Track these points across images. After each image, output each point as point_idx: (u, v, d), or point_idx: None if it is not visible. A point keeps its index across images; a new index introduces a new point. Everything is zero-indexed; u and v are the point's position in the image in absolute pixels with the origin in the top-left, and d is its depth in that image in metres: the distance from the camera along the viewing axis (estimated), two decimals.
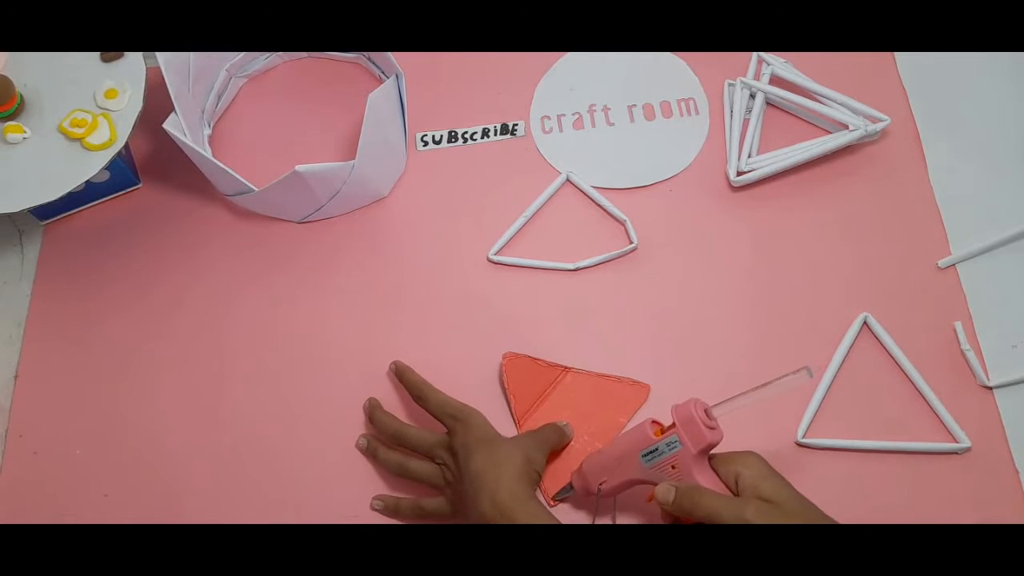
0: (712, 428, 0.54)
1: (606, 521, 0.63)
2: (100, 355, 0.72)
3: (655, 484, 0.56)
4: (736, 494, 0.53)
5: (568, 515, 0.64)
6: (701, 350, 0.69)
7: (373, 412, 0.67)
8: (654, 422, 0.57)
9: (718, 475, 0.54)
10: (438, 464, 0.63)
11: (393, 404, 0.69)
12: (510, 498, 0.56)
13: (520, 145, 0.78)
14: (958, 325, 0.68)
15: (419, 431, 0.65)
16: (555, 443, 0.64)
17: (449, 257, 0.73)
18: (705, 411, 0.54)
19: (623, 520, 0.64)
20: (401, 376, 0.68)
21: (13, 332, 0.73)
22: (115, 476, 0.68)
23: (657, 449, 0.55)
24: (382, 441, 0.66)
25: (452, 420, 0.63)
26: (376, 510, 0.65)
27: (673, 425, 0.55)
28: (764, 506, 0.51)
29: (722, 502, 0.52)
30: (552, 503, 0.64)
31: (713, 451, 0.55)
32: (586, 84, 0.80)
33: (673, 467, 0.55)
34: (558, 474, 0.65)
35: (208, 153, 0.68)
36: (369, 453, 0.67)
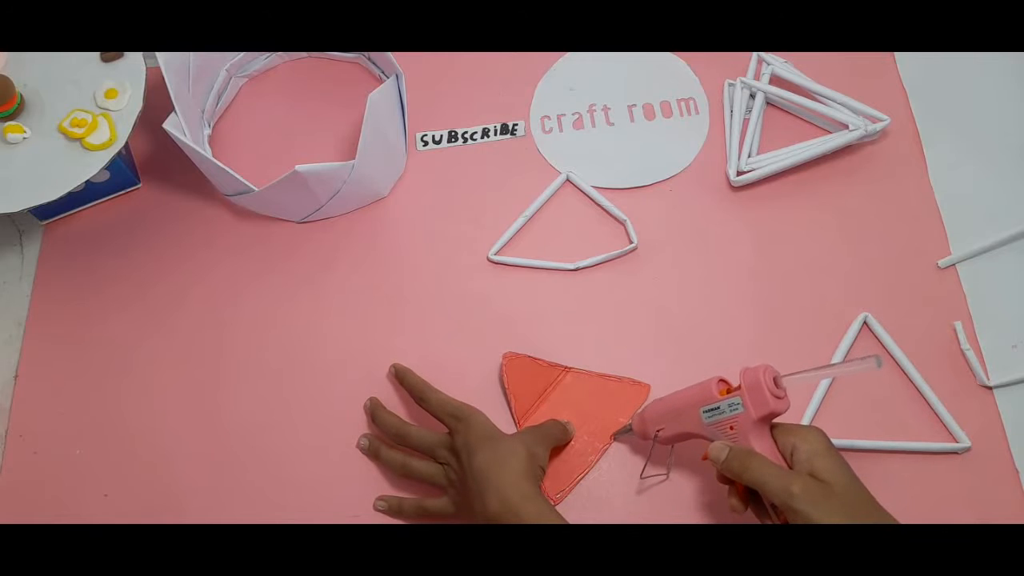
0: (778, 398, 0.53)
1: (660, 470, 0.64)
2: (100, 355, 0.72)
3: (711, 441, 0.56)
4: (790, 467, 0.53)
5: (574, 513, 0.64)
6: (701, 350, 0.69)
7: (375, 411, 0.67)
8: (721, 380, 0.57)
9: (776, 444, 0.54)
10: (441, 464, 0.63)
11: (393, 404, 0.69)
12: (516, 495, 0.56)
13: (520, 145, 0.78)
14: (958, 325, 0.68)
15: (421, 431, 0.65)
16: (558, 438, 0.64)
17: (449, 257, 0.73)
18: (774, 379, 0.54)
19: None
20: (401, 378, 0.68)
21: (13, 332, 0.73)
22: (115, 476, 0.68)
23: (719, 408, 0.55)
24: (384, 441, 0.67)
25: (453, 420, 0.62)
26: (379, 510, 0.65)
27: (739, 387, 0.55)
28: (813, 484, 0.50)
29: (771, 471, 0.52)
30: (555, 500, 0.64)
31: (777, 421, 0.55)
32: (586, 84, 0.80)
33: (731, 428, 0.55)
34: (560, 474, 0.65)
35: (208, 153, 0.68)
36: (371, 453, 0.67)
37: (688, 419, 0.58)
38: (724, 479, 0.57)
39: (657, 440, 0.61)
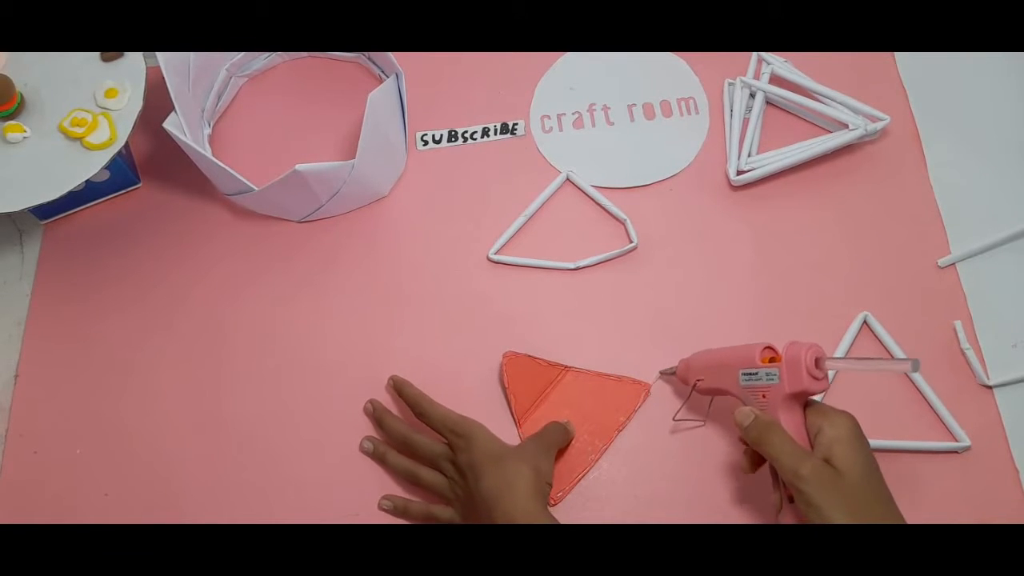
0: (815, 378, 0.54)
1: (697, 418, 0.66)
2: (100, 354, 0.72)
3: (743, 403, 0.58)
4: (812, 448, 0.53)
5: (574, 513, 0.64)
6: (700, 349, 0.69)
7: (383, 417, 0.67)
8: (768, 347, 0.58)
9: (804, 422, 0.55)
10: (447, 477, 0.63)
11: (393, 405, 0.69)
12: (526, 518, 0.56)
13: (520, 144, 0.78)
14: (958, 324, 0.68)
15: (426, 441, 0.64)
16: (560, 443, 0.64)
17: (449, 256, 0.73)
18: (816, 359, 0.54)
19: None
20: (400, 391, 0.67)
21: (13, 331, 0.73)
22: (115, 475, 0.68)
23: (756, 374, 0.56)
24: (391, 445, 0.66)
25: (455, 436, 0.62)
26: (384, 510, 0.65)
27: (780, 358, 0.55)
28: (824, 469, 0.51)
29: (787, 448, 0.53)
30: (555, 500, 0.64)
31: (813, 399, 0.56)
32: (586, 83, 0.80)
33: (764, 396, 0.56)
34: (560, 474, 0.65)
35: (208, 152, 0.68)
36: (377, 457, 0.66)
37: (727, 377, 0.59)
38: (744, 441, 0.58)
39: (695, 389, 0.63)
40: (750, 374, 0.57)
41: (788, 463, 0.52)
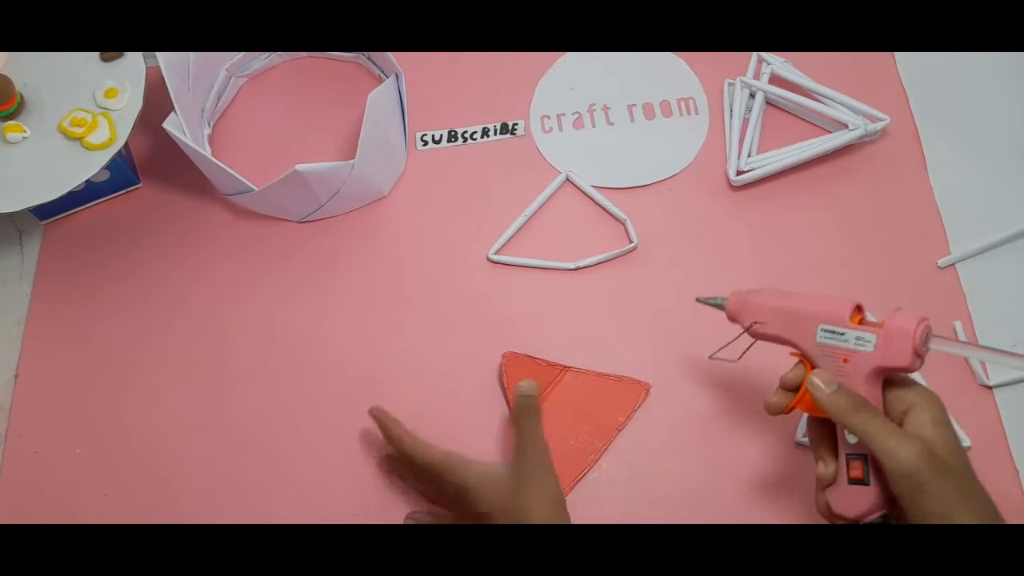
0: (918, 355, 0.48)
1: (732, 356, 0.58)
2: (100, 354, 0.72)
3: (810, 362, 0.52)
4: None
5: (574, 513, 0.64)
6: (701, 349, 0.69)
7: (391, 431, 0.63)
8: (857, 307, 0.52)
9: (885, 398, 0.50)
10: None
11: (391, 405, 0.69)
12: None
13: (520, 144, 0.78)
14: (957, 324, 0.68)
15: (429, 470, 0.61)
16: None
17: (449, 256, 0.73)
18: (926, 334, 0.49)
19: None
20: (383, 429, 0.64)
21: (13, 331, 0.73)
22: (115, 475, 0.68)
23: (844, 335, 0.50)
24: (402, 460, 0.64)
25: (448, 485, 0.59)
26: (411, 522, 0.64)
27: (880, 324, 0.49)
28: (928, 454, 0.46)
29: (886, 428, 0.47)
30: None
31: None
32: (586, 84, 0.80)
33: (846, 361, 0.50)
34: (560, 476, 0.64)
35: (208, 152, 0.68)
36: (395, 474, 0.65)
37: (800, 328, 0.52)
38: (805, 404, 0.52)
39: (748, 331, 0.56)
40: (834, 332, 0.50)
41: (888, 443, 0.46)
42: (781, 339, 0.54)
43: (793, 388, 0.53)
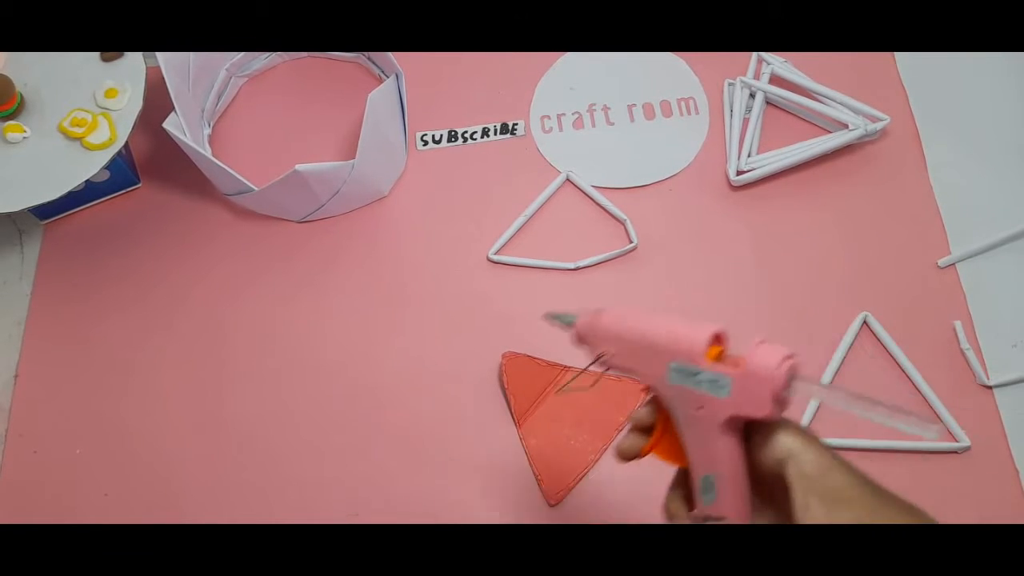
0: (779, 402, 0.39)
1: (583, 384, 0.51)
2: (100, 354, 0.72)
3: (664, 403, 0.43)
4: (770, 481, 0.40)
5: (574, 513, 0.64)
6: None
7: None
8: (716, 335, 0.41)
9: (750, 449, 0.41)
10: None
11: (392, 402, 0.69)
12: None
13: (520, 144, 0.78)
14: (958, 324, 0.68)
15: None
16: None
17: (449, 256, 0.73)
18: (789, 376, 0.39)
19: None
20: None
21: (13, 331, 0.73)
22: (115, 475, 0.68)
23: (698, 376, 0.40)
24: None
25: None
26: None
27: (738, 365, 0.40)
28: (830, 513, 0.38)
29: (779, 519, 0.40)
30: (555, 500, 0.64)
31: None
32: (586, 84, 0.80)
33: (699, 408, 0.40)
34: (559, 474, 0.65)
35: (208, 152, 0.68)
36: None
37: (649, 363, 0.43)
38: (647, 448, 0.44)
39: (600, 361, 0.46)
40: (685, 372, 0.41)
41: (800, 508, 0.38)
42: (629, 370, 0.45)
43: (646, 429, 0.45)
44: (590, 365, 0.47)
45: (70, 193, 0.67)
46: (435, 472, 0.66)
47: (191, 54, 0.72)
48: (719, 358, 0.41)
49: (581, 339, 0.48)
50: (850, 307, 0.69)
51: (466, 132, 0.78)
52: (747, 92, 0.77)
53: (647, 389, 0.44)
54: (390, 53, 0.72)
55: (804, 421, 0.65)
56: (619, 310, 0.46)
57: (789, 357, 0.39)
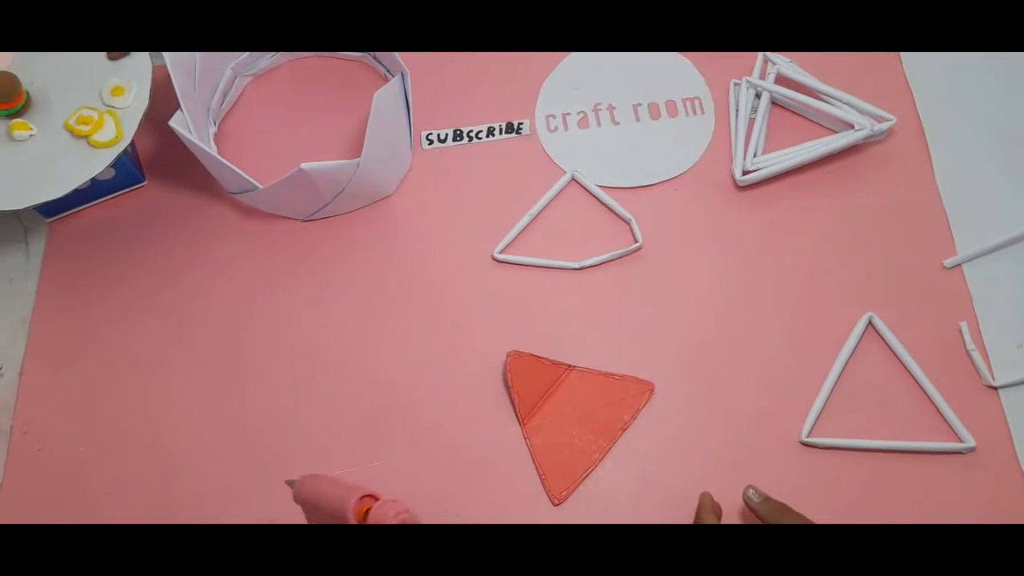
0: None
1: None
2: (104, 352, 0.72)
3: None
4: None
5: (577, 513, 0.64)
6: (706, 349, 0.69)
7: None
8: (367, 496, 0.50)
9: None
10: None
11: (396, 403, 0.69)
12: None
13: (525, 144, 0.78)
14: (963, 325, 0.68)
15: None
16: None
17: (454, 255, 0.73)
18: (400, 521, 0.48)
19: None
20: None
21: (18, 329, 0.73)
22: (119, 473, 0.68)
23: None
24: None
25: None
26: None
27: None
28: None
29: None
30: (559, 500, 0.64)
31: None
32: (591, 83, 0.80)
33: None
34: (564, 475, 0.65)
35: (214, 151, 0.69)
36: None
37: (331, 519, 0.51)
38: None
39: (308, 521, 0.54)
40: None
41: None
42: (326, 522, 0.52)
43: None
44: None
45: (75, 191, 0.67)
46: (439, 471, 0.66)
47: (197, 53, 0.72)
48: (366, 515, 0.49)
49: (297, 500, 0.54)
50: (855, 307, 0.69)
51: (471, 131, 0.78)
52: (753, 92, 0.76)
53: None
54: (396, 53, 0.72)
55: (809, 420, 0.65)
56: (317, 478, 0.53)
57: (401, 512, 0.48)
